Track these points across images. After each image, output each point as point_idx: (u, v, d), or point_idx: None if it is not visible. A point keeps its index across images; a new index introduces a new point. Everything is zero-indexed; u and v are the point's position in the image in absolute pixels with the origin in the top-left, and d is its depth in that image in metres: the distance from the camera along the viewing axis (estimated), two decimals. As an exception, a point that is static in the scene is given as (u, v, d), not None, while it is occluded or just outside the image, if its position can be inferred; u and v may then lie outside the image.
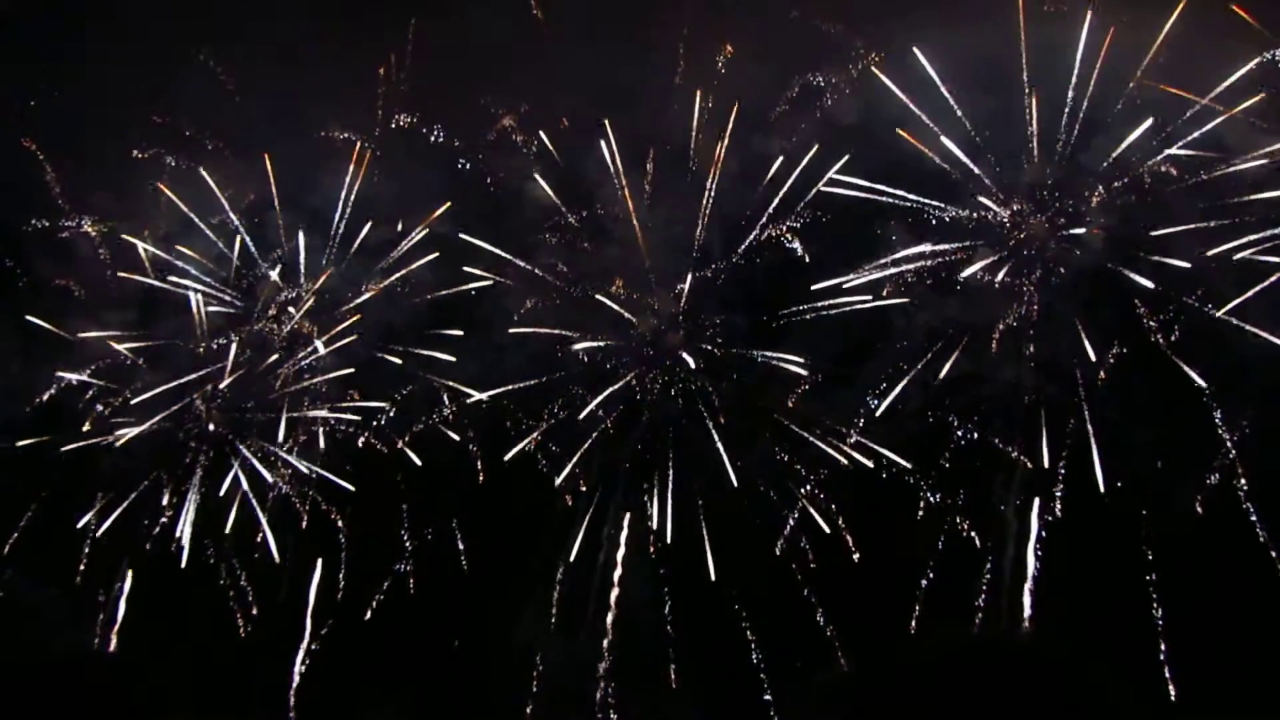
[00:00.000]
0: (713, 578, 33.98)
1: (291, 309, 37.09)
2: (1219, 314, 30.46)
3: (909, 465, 33.33)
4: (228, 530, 36.39)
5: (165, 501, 36.67)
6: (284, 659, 36.52)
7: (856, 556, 33.76)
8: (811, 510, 34.17)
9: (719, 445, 34.17)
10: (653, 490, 34.75)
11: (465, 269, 35.96)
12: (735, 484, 33.59)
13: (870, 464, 33.38)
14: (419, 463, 36.22)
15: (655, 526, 34.54)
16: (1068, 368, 32.26)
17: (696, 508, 34.41)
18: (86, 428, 36.74)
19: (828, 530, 33.97)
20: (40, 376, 36.94)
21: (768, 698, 34.22)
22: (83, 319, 36.99)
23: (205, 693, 33.70)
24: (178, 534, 36.46)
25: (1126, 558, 31.70)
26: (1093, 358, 31.55)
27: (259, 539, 36.55)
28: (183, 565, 36.49)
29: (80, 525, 36.62)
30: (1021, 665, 30.59)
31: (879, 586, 33.44)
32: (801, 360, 33.49)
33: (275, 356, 37.12)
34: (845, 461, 33.50)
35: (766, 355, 34.12)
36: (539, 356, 35.29)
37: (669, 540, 34.35)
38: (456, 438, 36.31)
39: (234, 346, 36.57)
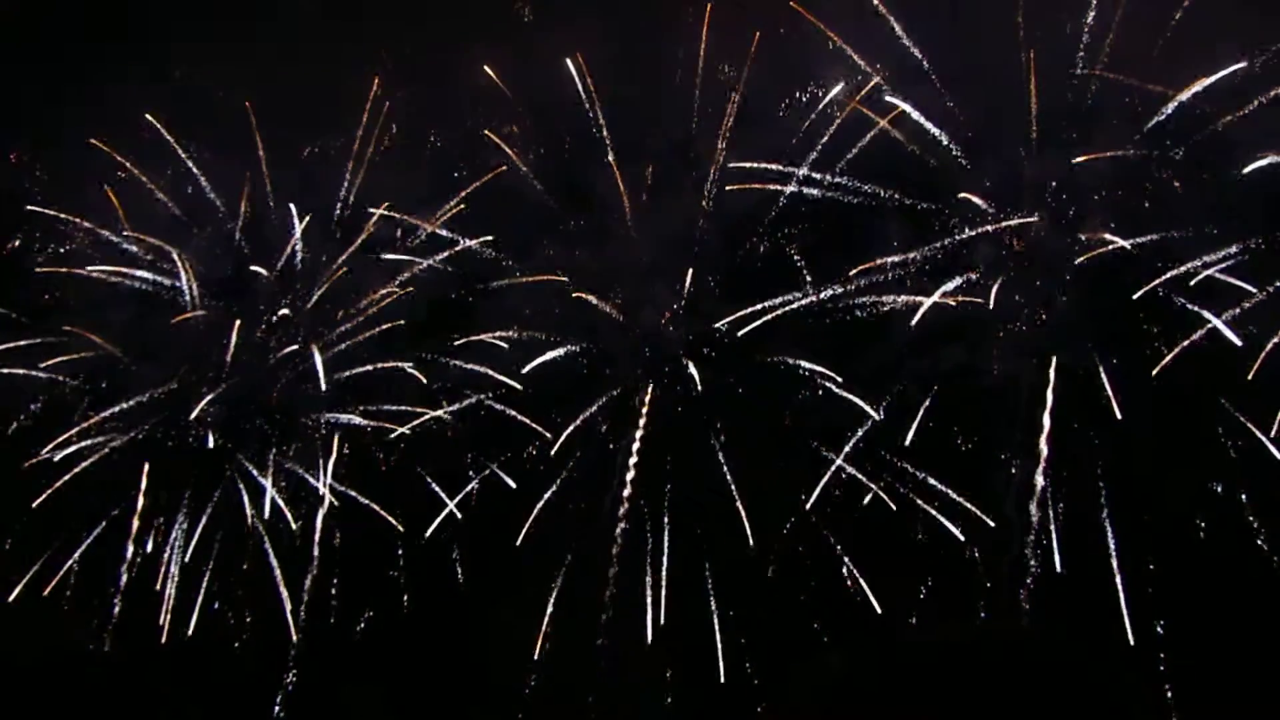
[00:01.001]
0: (711, 581, 33.85)
1: (287, 310, 36.84)
2: (1221, 317, 30.45)
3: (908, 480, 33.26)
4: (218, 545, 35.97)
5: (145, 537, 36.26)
6: (278, 663, 36.18)
7: (853, 567, 33.65)
8: (812, 517, 34.11)
9: (719, 450, 34.06)
10: (649, 493, 34.58)
11: (464, 272, 35.87)
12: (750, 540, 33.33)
13: (877, 489, 33.19)
14: (418, 469, 35.92)
15: (652, 528, 34.36)
16: (1070, 371, 32.22)
17: (695, 510, 34.31)
18: (74, 435, 36.29)
19: (829, 537, 33.87)
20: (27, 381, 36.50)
21: (760, 709, 34.08)
22: (74, 322, 36.58)
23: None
24: (166, 556, 35.97)
25: (1127, 562, 31.57)
26: (1096, 361, 31.49)
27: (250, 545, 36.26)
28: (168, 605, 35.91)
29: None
30: (1020, 667, 30.72)
31: (878, 589, 33.28)
32: (809, 364, 33.32)
33: (273, 361, 36.83)
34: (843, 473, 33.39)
35: (770, 358, 34.01)
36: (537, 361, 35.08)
37: (666, 541, 34.16)
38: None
39: (230, 350, 36.24)
